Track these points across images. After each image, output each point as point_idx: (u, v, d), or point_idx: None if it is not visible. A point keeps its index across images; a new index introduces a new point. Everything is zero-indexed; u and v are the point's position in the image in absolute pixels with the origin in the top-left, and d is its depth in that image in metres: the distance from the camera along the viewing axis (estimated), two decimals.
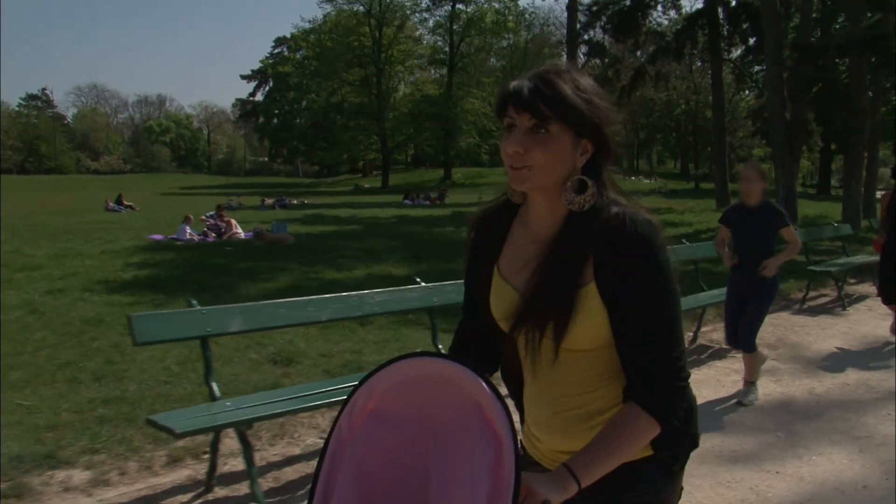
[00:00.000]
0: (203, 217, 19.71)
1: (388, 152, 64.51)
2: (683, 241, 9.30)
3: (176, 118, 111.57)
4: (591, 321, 1.65)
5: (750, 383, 6.05)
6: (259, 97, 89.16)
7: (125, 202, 32.13)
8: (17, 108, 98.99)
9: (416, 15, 63.72)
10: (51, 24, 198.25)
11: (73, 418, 5.11)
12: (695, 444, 1.81)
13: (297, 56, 79.28)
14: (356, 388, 1.52)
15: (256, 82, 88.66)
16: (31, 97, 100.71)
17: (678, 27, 34.62)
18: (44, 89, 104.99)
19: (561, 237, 1.68)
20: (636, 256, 1.60)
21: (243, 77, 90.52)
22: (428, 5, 55.22)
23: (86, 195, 42.69)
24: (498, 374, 1.93)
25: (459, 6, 57.39)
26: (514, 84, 1.64)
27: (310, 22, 71.19)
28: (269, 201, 32.47)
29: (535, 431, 1.86)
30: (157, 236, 17.43)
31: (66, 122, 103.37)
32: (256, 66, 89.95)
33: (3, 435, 4.76)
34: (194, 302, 4.37)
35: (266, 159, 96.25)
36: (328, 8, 64.80)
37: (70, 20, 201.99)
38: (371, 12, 61.65)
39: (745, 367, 6.09)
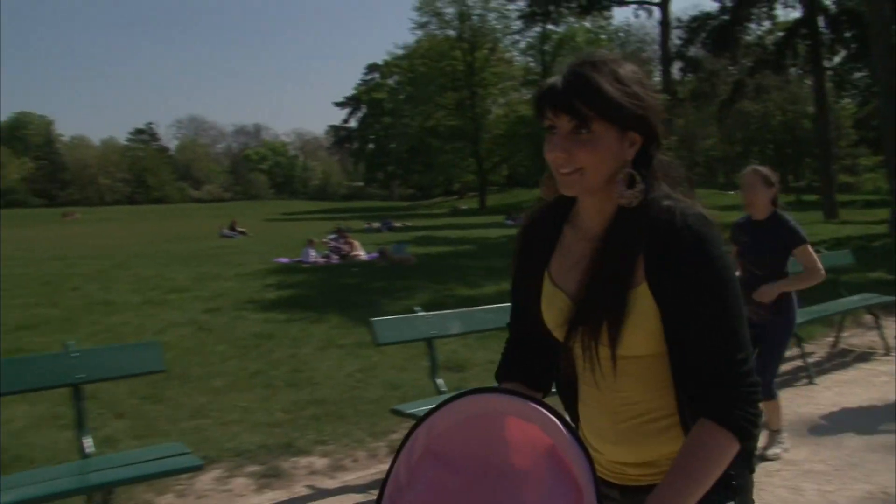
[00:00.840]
0: (325, 240, 20.57)
1: (484, 174, 65.29)
2: (821, 249, 8.97)
3: (272, 146, 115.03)
4: (645, 324, 1.54)
5: (774, 432, 5.06)
6: (352, 123, 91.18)
7: (238, 228, 33.46)
8: (125, 143, 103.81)
9: (508, 38, 64.44)
10: (153, 61, 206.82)
11: (287, 417, 5.76)
12: (749, 464, 1.62)
13: (390, 82, 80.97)
14: (415, 426, 1.41)
15: (350, 109, 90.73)
16: (138, 131, 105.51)
17: (777, 38, 34.34)
18: (149, 124, 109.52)
19: (610, 234, 1.57)
20: (688, 253, 1.48)
21: (336, 104, 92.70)
22: (519, 27, 55.82)
23: (193, 223, 44.44)
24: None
25: (550, 27, 57.86)
26: (549, 82, 1.55)
27: (402, 48, 72.51)
28: (375, 224, 33.42)
29: (594, 443, 1.72)
30: (283, 259, 18.31)
31: (169, 153, 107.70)
32: (348, 92, 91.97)
33: (235, 430, 5.44)
34: (418, 308, 4.95)
35: (361, 184, 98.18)
36: (420, 34, 66.03)
37: (170, 57, 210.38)
38: (463, 37, 62.66)
39: (765, 414, 4.98)
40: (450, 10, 63.18)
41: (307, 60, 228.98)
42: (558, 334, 1.65)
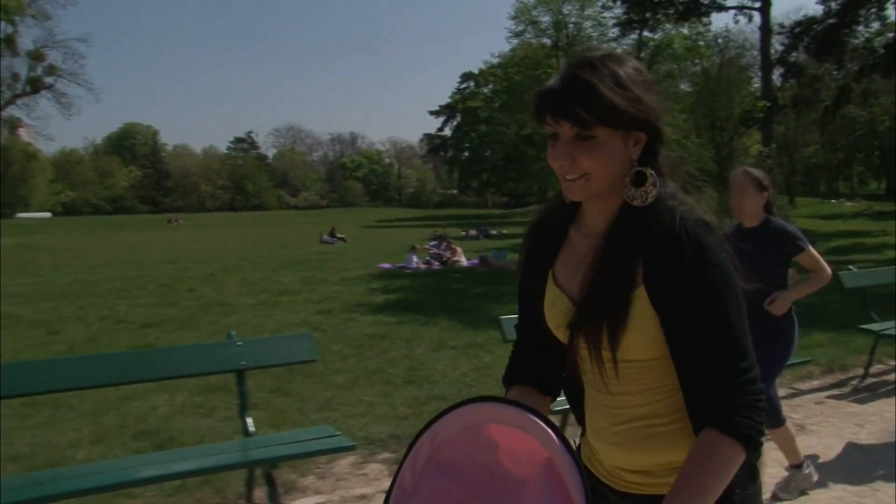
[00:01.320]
0: (426, 246, 20.99)
1: None
2: (850, 267, 8.32)
3: (367, 154, 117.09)
4: (642, 327, 1.51)
5: (794, 467, 4.46)
6: (447, 131, 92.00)
7: (337, 234, 34.22)
8: (226, 151, 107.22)
9: (604, 45, 64.19)
10: (253, 71, 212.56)
11: (410, 411, 6.07)
12: (752, 472, 1.61)
13: (485, 90, 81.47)
14: (419, 434, 1.44)
15: (444, 117, 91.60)
16: (238, 140, 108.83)
17: (887, 40, 33.28)
18: (249, 132, 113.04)
19: (612, 233, 1.56)
20: (686, 259, 1.46)
21: (431, 112, 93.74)
22: (615, 35, 55.49)
23: (291, 229, 45.54)
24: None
25: (647, 34, 57.36)
26: (547, 85, 1.53)
27: (497, 57, 72.93)
28: (472, 232, 33.74)
29: (595, 445, 1.71)
30: (386, 265, 18.78)
31: (267, 161, 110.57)
32: (443, 101, 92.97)
33: (363, 422, 5.79)
34: None
35: (455, 191, 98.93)
36: (515, 42, 66.22)
37: (269, 67, 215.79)
38: (558, 45, 62.63)
39: (779, 447, 4.50)
40: (545, 19, 63.16)
41: (403, 70, 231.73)
42: (561, 336, 1.64)
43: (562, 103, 1.47)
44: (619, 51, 1.61)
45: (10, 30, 52.18)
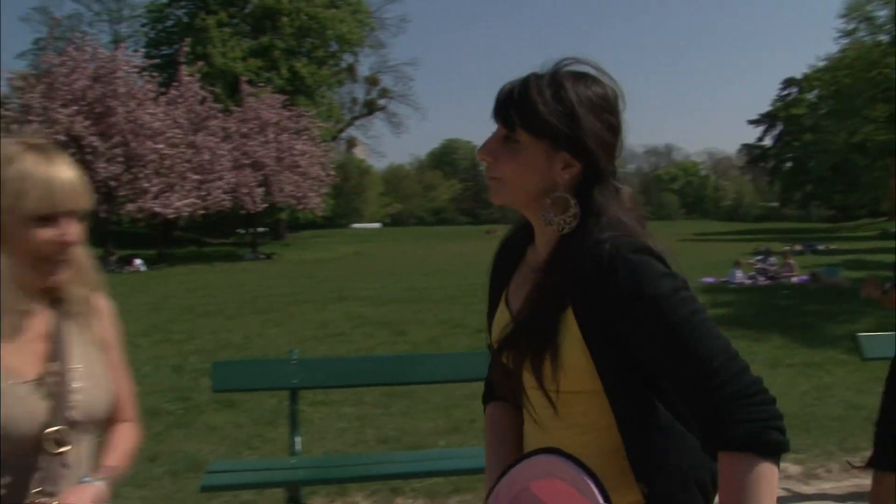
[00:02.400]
0: (751, 261, 20.27)
1: None
2: None
3: (683, 166, 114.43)
4: (569, 356, 1.43)
5: None
6: (767, 141, 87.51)
7: None
8: None
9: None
10: None
11: None
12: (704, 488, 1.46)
13: (810, 97, 76.59)
14: (499, 478, 1.42)
15: (764, 126, 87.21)
16: None
17: None
18: None
19: (547, 259, 1.50)
20: (618, 288, 1.36)
21: (750, 122, 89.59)
22: None
23: None
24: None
25: None
26: (505, 86, 1.50)
27: (824, 59, 68.15)
28: (797, 247, 31.88)
29: None
30: (709, 279, 18.33)
31: None
32: (763, 109, 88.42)
33: None
34: None
35: (776, 204, 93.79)
36: (845, 42, 61.58)
37: None
38: None
39: None
40: (882, 13, 58.20)
41: (719, 78, 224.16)
42: (503, 357, 1.58)
43: (499, 102, 1.47)
44: (598, 73, 1.51)
45: (351, 59, 57.29)
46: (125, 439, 1.82)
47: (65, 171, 1.60)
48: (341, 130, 62.42)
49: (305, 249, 42.31)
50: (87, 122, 27.62)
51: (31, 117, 26.59)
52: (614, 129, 1.50)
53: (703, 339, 1.31)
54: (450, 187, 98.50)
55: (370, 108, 66.64)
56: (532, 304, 1.49)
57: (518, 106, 1.45)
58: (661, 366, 1.35)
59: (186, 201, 30.55)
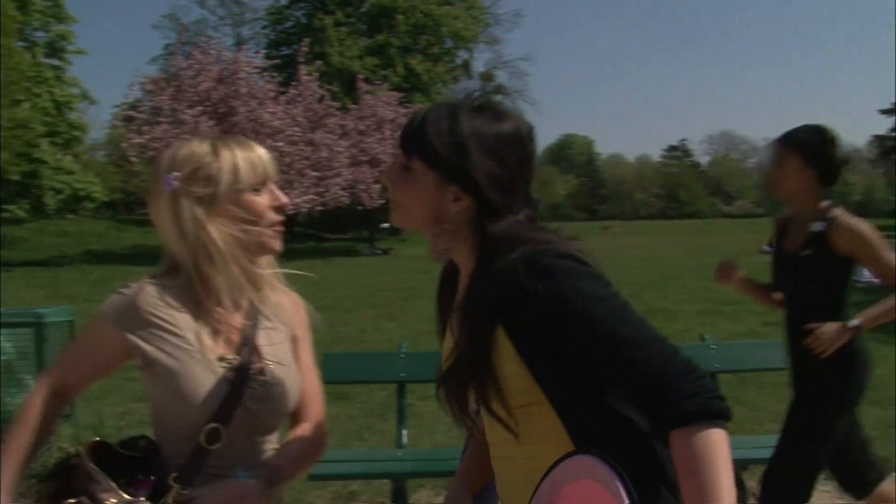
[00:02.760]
0: None
1: None
2: None
3: None
4: (508, 375, 1.45)
5: None
6: None
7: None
8: (659, 160, 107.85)
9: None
10: (685, 79, 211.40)
11: (877, 433, 5.67)
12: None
13: None
14: (541, 480, 1.41)
15: None
16: (671, 148, 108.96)
17: None
18: (682, 140, 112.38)
19: (466, 290, 1.53)
20: (545, 305, 1.39)
21: (882, 111, 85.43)
22: None
23: (727, 238, 44.30)
24: None
25: None
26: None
27: None
28: None
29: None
30: None
31: (701, 169, 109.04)
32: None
33: None
34: None
35: None
36: None
37: (701, 74, 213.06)
38: None
39: None
40: None
41: (844, 67, 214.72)
42: (442, 388, 1.60)
43: (403, 129, 1.50)
44: (509, 109, 1.55)
45: (466, 56, 57.51)
46: (304, 441, 1.84)
47: (258, 150, 1.80)
48: None
49: (422, 245, 42.34)
50: (211, 122, 28.57)
51: (160, 118, 27.73)
52: (512, 165, 1.49)
53: (633, 331, 1.36)
54: (566, 183, 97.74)
55: None
56: (461, 333, 1.51)
57: (415, 135, 1.48)
58: (597, 363, 1.38)
59: (305, 198, 31.22)
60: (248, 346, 1.74)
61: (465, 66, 58.91)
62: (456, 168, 1.46)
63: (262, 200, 1.76)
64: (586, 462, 1.30)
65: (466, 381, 1.51)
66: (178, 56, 31.09)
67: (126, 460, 1.68)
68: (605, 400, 1.47)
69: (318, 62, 37.09)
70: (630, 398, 1.40)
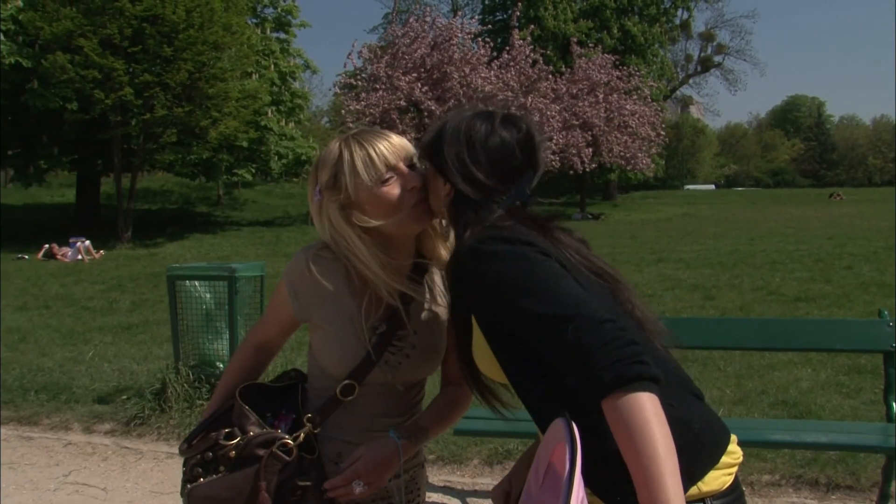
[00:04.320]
0: None
1: None
2: None
3: None
4: (480, 349, 1.63)
5: None
6: None
7: None
8: None
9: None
10: None
11: None
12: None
13: None
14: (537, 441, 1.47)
15: None
16: None
17: None
18: None
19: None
20: (471, 287, 1.56)
21: None
22: None
23: None
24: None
25: None
26: None
27: None
28: None
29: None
30: None
31: None
32: None
33: None
34: None
35: None
36: None
37: None
38: None
39: None
40: None
41: None
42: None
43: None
44: (496, 109, 1.75)
45: (685, 15, 55.49)
46: (451, 404, 2.00)
47: (385, 138, 1.85)
48: (674, 89, 60.84)
49: (634, 210, 41.98)
50: (425, 88, 29.38)
51: (377, 85, 28.85)
52: (490, 163, 1.67)
53: (551, 309, 1.39)
54: (791, 147, 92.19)
55: (705, 65, 64.25)
56: (451, 316, 1.82)
57: (434, 142, 1.76)
58: (525, 339, 1.46)
59: None
60: (394, 317, 1.88)
61: (684, 25, 56.87)
62: (432, 160, 1.75)
63: (391, 190, 1.81)
64: (557, 425, 1.34)
65: (466, 361, 1.71)
66: (395, 24, 32.13)
67: (277, 396, 1.97)
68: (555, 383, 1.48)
69: (532, 26, 37.04)
70: (564, 374, 1.40)
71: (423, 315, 1.93)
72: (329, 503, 1.83)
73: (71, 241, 19.99)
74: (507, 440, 4.73)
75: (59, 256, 19.44)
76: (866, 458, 4.50)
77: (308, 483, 1.82)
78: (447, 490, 4.62)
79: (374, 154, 1.81)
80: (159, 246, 22.53)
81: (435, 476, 4.78)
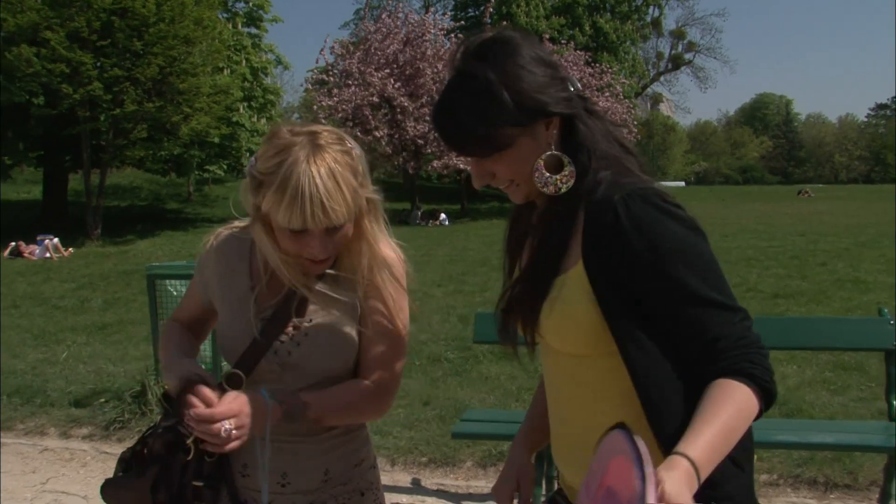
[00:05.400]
0: None
1: None
2: None
3: None
4: (569, 311, 1.40)
5: None
6: None
7: None
8: (864, 119, 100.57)
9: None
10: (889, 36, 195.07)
11: None
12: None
13: None
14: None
15: None
16: (880, 106, 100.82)
17: None
18: (894, 97, 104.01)
19: (545, 217, 1.50)
20: (624, 237, 1.34)
21: None
22: None
23: None
24: None
25: None
26: None
27: None
28: None
29: (554, 455, 1.62)
30: None
31: None
32: None
33: None
34: None
35: None
36: None
37: None
38: None
39: None
40: None
41: None
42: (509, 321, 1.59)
43: (449, 141, 1.52)
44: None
45: (656, 13, 55.82)
46: (348, 390, 1.79)
47: (319, 189, 1.58)
48: (645, 87, 61.18)
49: None
50: (398, 84, 29.26)
51: (349, 81, 28.68)
52: (550, 78, 1.44)
53: (723, 289, 1.35)
54: (759, 145, 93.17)
55: (676, 62, 64.63)
56: (534, 261, 1.50)
57: (465, 137, 1.44)
58: (664, 314, 1.35)
59: None
60: (286, 306, 1.75)
61: (655, 23, 57.19)
62: (513, 114, 1.41)
63: (295, 244, 1.65)
64: (617, 437, 1.18)
65: (533, 314, 1.47)
66: (367, 20, 31.96)
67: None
68: (675, 359, 1.39)
69: (504, 23, 36.95)
70: (688, 356, 1.36)
71: (323, 310, 1.77)
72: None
73: (38, 238, 19.61)
74: (501, 442, 4.65)
75: (26, 254, 19.05)
76: (863, 457, 4.47)
77: (202, 484, 1.74)
78: (441, 494, 4.54)
79: (305, 204, 1.57)
80: (130, 243, 22.16)
81: (428, 479, 4.70)
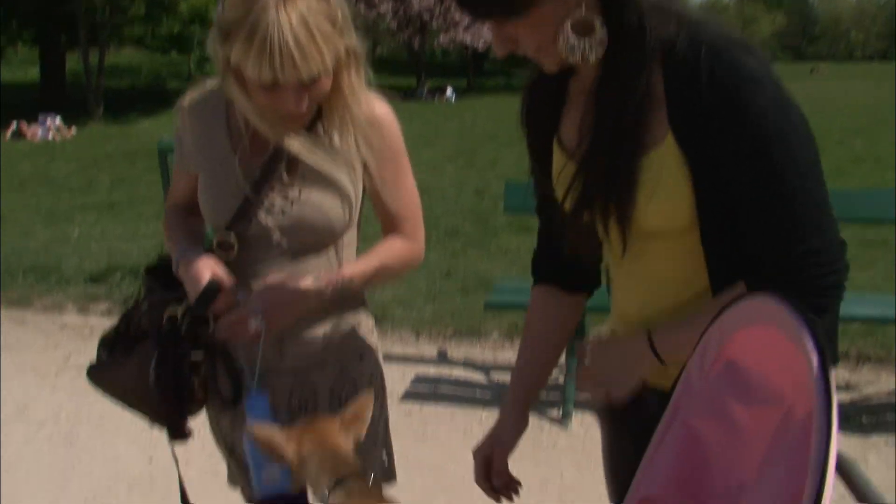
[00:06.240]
0: None
1: None
2: None
3: None
4: (666, 192, 1.17)
5: None
6: None
7: None
8: None
9: None
10: None
11: None
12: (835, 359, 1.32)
13: None
14: (709, 325, 1.02)
15: None
16: None
17: None
18: None
19: (601, 82, 1.20)
20: (714, 96, 1.09)
21: None
22: None
23: None
24: None
25: None
26: None
27: None
28: None
29: (621, 330, 1.41)
30: None
31: None
32: None
33: None
34: None
35: None
36: None
37: None
38: None
39: None
40: None
41: None
42: (568, 207, 1.31)
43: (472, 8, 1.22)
44: None
45: None
46: (376, 256, 1.73)
47: (309, 40, 1.43)
48: None
49: None
50: None
51: None
52: None
53: (812, 193, 1.13)
54: (772, 21, 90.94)
55: None
56: (605, 135, 1.21)
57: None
58: (741, 202, 1.15)
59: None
60: (274, 165, 1.63)
61: None
62: None
63: (268, 97, 1.51)
64: (768, 305, 0.91)
65: (604, 193, 1.24)
66: None
67: None
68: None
69: None
70: (753, 244, 1.17)
71: (315, 167, 1.63)
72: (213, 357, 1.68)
73: (40, 118, 19.31)
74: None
75: (28, 136, 18.82)
76: (892, 330, 4.41)
77: (199, 359, 1.66)
78: (468, 364, 4.52)
79: (274, 55, 1.41)
80: (132, 123, 21.84)
81: (454, 350, 4.68)
